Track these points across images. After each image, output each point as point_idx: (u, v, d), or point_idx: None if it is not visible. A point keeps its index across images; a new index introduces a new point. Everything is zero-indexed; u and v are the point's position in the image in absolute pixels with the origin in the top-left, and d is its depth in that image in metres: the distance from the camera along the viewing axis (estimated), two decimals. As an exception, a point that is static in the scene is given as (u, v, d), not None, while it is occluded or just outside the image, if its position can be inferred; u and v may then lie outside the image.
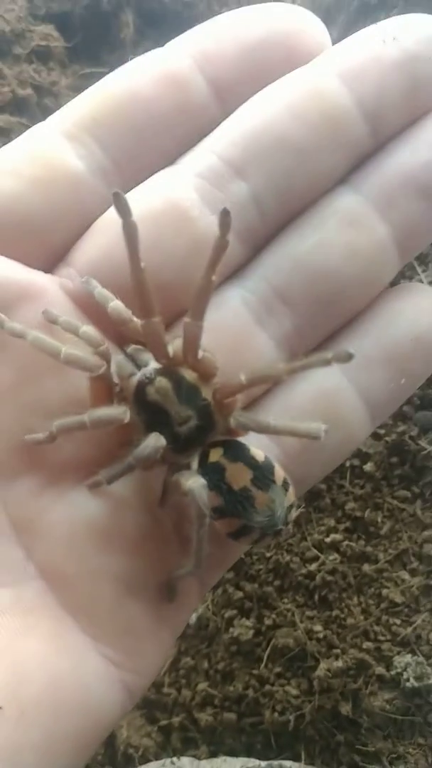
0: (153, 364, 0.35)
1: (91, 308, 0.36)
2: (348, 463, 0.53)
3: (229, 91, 0.37)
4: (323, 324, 0.38)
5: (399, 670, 0.51)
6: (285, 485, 0.35)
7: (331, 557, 0.52)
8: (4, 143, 0.61)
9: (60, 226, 0.36)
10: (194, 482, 0.32)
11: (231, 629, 0.53)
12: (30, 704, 0.30)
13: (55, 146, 0.36)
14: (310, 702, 0.51)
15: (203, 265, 0.33)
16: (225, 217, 0.32)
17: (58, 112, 0.37)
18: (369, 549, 0.53)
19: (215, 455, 0.34)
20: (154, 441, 0.34)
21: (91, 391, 0.34)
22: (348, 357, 0.32)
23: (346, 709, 0.51)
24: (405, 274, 0.57)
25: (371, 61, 0.36)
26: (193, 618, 0.55)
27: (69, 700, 0.31)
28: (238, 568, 0.54)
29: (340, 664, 0.51)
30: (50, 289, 0.35)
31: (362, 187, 0.38)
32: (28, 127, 0.64)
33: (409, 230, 0.38)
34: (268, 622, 0.53)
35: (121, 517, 0.35)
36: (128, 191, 0.36)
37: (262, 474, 0.34)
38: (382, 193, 0.37)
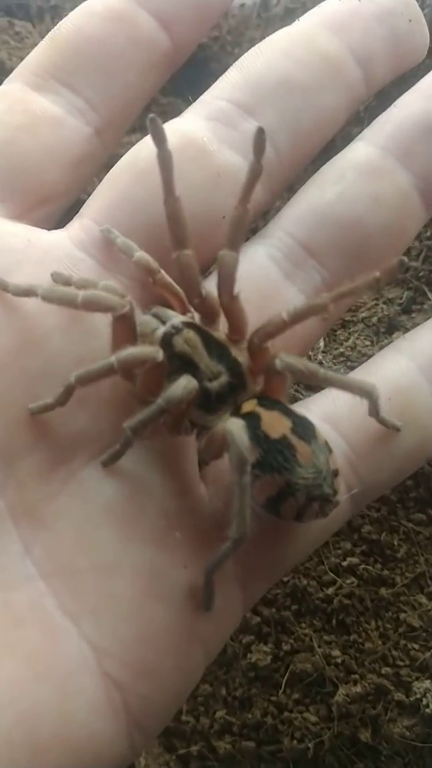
0: (179, 318, 0.34)
1: (111, 263, 0.35)
2: (364, 487, 0.53)
3: (174, 23, 0.37)
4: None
5: (418, 695, 0.50)
6: (327, 447, 0.32)
7: (348, 581, 0.52)
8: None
9: (52, 165, 0.36)
10: (232, 424, 0.28)
11: (249, 655, 0.53)
12: None
13: (27, 96, 0.36)
14: (329, 729, 0.51)
15: (228, 197, 0.32)
16: (260, 136, 0.32)
17: (15, 70, 0.38)
18: (386, 573, 0.53)
19: (249, 406, 0.32)
20: (186, 382, 0.30)
21: (113, 335, 0.31)
22: (401, 266, 0.31)
23: (365, 735, 0.50)
24: (416, 300, 0.58)
25: (352, 15, 0.38)
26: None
27: (49, 737, 0.26)
28: (255, 592, 0.54)
29: (358, 689, 0.51)
30: (60, 246, 0.34)
31: (377, 139, 0.38)
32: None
33: (431, 177, 0.38)
34: (286, 647, 0.53)
35: (143, 501, 0.31)
36: (109, 132, 0.37)
37: (302, 424, 0.31)
38: (400, 143, 0.38)
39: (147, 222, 0.34)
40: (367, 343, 0.56)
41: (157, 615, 0.30)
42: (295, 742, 0.51)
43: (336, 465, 0.32)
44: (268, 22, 0.62)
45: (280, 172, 0.37)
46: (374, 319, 0.57)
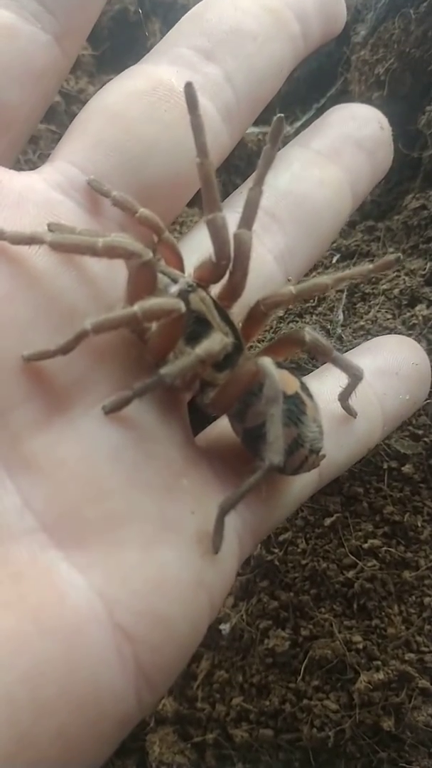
0: (186, 278, 0.34)
1: (94, 207, 0.34)
2: (385, 465, 0.51)
3: None
4: (307, 246, 0.42)
5: (443, 683, 0.48)
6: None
7: (369, 564, 0.50)
8: (33, 151, 0.61)
9: (10, 83, 0.33)
10: (264, 360, 0.30)
11: (266, 640, 0.51)
12: None
13: None
14: (350, 717, 0.49)
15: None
16: (278, 124, 0.35)
17: None
18: (409, 555, 0.50)
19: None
20: (221, 337, 0.32)
21: (132, 284, 0.31)
22: (396, 260, 0.36)
23: (388, 724, 0.48)
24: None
25: None
26: (227, 629, 0.53)
27: (55, 696, 0.25)
28: (273, 576, 0.52)
29: (381, 676, 0.49)
30: (35, 188, 0.32)
31: (311, 144, 0.44)
32: (57, 134, 0.64)
33: (356, 175, 0.44)
34: (304, 632, 0.51)
35: (150, 448, 0.31)
36: (70, 38, 0.35)
37: (306, 386, 0.35)
38: (330, 147, 0.44)
39: (122, 162, 0.34)
40: (389, 316, 0.53)
41: (167, 562, 0.30)
42: (314, 730, 0.49)
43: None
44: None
45: (238, 115, 0.39)
46: (396, 291, 0.54)
